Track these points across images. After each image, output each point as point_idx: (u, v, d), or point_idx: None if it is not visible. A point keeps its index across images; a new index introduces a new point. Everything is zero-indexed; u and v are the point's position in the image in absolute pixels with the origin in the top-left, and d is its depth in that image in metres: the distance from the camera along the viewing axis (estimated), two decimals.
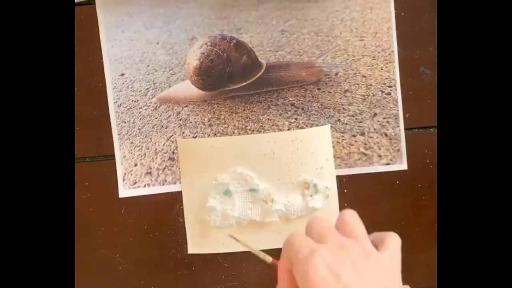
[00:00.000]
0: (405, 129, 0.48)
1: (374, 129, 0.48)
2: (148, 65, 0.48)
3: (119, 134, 0.48)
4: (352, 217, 0.30)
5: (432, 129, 0.48)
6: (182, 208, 0.48)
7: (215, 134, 0.48)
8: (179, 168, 0.48)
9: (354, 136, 0.48)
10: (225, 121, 0.48)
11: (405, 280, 0.29)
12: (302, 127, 0.47)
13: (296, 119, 0.48)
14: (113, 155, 0.48)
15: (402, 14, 0.47)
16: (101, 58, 0.48)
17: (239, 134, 0.48)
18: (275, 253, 0.49)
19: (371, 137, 0.48)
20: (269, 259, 0.32)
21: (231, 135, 0.48)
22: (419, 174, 0.48)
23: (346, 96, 0.48)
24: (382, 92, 0.48)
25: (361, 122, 0.48)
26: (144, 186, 0.48)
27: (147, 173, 0.48)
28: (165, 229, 0.48)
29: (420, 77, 0.48)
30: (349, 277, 0.26)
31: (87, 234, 0.48)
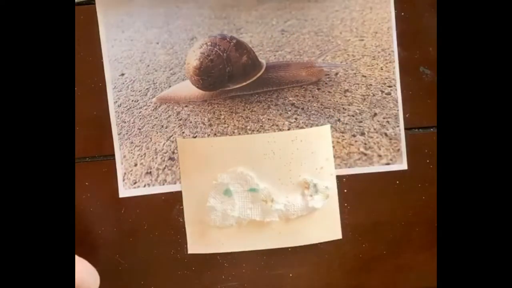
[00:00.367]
0: (405, 129, 0.48)
1: (374, 129, 0.48)
2: (148, 65, 0.48)
3: (119, 134, 0.48)
4: None
5: (432, 129, 0.48)
6: (182, 208, 0.48)
7: (215, 134, 0.48)
8: (179, 168, 0.48)
9: (354, 136, 0.48)
10: (225, 121, 0.48)
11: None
12: (302, 127, 0.47)
13: (296, 119, 0.48)
14: (113, 155, 0.48)
15: (402, 14, 0.47)
16: (101, 58, 0.47)
17: (239, 134, 0.47)
18: (275, 253, 0.50)
19: (371, 137, 0.48)
20: None
21: (231, 135, 0.47)
22: (419, 174, 0.48)
23: (346, 96, 0.48)
24: (382, 92, 0.48)
25: (361, 122, 0.48)
26: (144, 186, 0.48)
27: (147, 173, 0.48)
28: (165, 229, 0.48)
29: (420, 77, 0.48)
30: None
31: (87, 234, 0.48)
